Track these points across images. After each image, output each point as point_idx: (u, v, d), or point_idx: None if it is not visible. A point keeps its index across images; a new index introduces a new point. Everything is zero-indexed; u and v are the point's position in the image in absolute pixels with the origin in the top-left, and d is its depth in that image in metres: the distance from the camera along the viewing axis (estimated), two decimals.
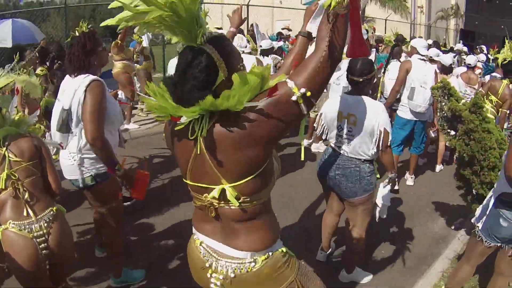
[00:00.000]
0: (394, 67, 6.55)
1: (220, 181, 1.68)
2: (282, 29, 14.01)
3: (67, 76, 3.18)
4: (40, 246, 2.46)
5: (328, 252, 4.13)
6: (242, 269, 1.79)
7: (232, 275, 1.80)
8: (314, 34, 2.15)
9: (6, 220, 2.41)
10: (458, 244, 4.58)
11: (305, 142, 7.68)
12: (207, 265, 1.85)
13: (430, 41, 6.77)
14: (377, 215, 3.69)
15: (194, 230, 1.98)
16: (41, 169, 2.56)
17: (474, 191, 4.17)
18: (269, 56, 7.21)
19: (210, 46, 1.60)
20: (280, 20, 20.73)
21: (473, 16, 27.72)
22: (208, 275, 1.85)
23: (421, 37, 15.64)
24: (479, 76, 7.86)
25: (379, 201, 3.58)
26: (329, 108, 3.54)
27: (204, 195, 1.74)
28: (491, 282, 3.19)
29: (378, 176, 3.54)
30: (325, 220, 3.96)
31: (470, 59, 7.68)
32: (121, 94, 4.48)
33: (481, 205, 3.09)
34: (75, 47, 3.07)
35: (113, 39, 7.97)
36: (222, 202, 1.72)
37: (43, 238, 2.47)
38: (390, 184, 3.55)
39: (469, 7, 28.27)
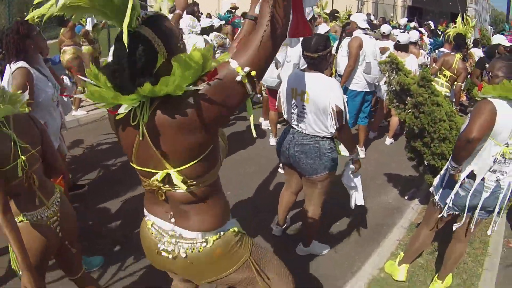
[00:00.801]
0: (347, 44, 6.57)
1: (164, 166, 1.65)
2: (230, 8, 13.82)
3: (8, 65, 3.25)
4: (57, 230, 2.38)
5: (283, 227, 4.16)
6: (193, 249, 1.80)
7: (184, 255, 1.80)
8: None
9: (19, 213, 2.24)
10: (412, 214, 4.70)
11: (262, 122, 7.62)
12: (159, 246, 1.85)
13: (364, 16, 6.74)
14: (352, 201, 3.68)
15: (145, 211, 1.96)
16: (41, 152, 2.39)
17: (425, 162, 4.28)
18: (210, 34, 7.10)
19: (147, 28, 1.50)
20: None
21: None
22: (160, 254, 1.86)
23: (369, 14, 15.89)
24: (421, 50, 8.06)
25: (344, 182, 3.58)
26: (285, 85, 3.50)
27: (152, 179, 1.70)
28: (449, 248, 3.31)
29: (340, 153, 3.52)
30: (282, 197, 3.96)
31: (414, 35, 7.87)
32: (66, 79, 4.29)
33: (438, 175, 3.18)
34: (9, 35, 3.19)
35: (61, 26, 7.64)
36: (168, 186, 1.70)
37: (57, 222, 2.39)
38: (353, 165, 3.48)
39: None
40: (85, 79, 1.61)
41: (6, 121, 2.16)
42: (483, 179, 2.82)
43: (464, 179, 2.88)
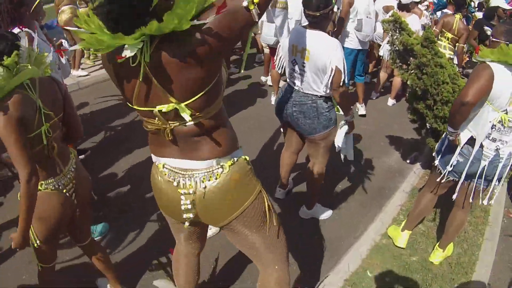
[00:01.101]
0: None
1: (170, 102, 1.64)
2: None
3: None
4: (72, 197, 2.39)
5: (286, 190, 4.19)
6: (211, 177, 1.82)
7: (202, 186, 1.82)
8: None
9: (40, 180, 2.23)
10: (414, 178, 4.69)
11: (263, 79, 7.53)
12: (175, 184, 1.85)
13: None
14: (342, 156, 3.73)
15: (154, 158, 1.96)
16: (62, 118, 2.35)
17: (428, 125, 4.26)
18: None
19: None
20: None
21: None
22: (180, 200, 1.86)
23: None
24: (424, 11, 7.87)
25: (336, 142, 3.58)
26: (286, 41, 3.44)
27: (157, 108, 1.67)
28: (451, 215, 3.34)
29: (338, 111, 3.50)
30: (283, 157, 3.96)
31: None
32: (64, 42, 4.23)
33: (440, 140, 3.18)
34: (3, 4, 3.14)
35: None
36: (176, 121, 1.70)
37: (73, 188, 2.39)
38: (347, 126, 3.49)
39: None
40: (77, 29, 1.55)
41: (31, 84, 2.08)
42: (481, 146, 2.81)
43: (463, 145, 2.88)
